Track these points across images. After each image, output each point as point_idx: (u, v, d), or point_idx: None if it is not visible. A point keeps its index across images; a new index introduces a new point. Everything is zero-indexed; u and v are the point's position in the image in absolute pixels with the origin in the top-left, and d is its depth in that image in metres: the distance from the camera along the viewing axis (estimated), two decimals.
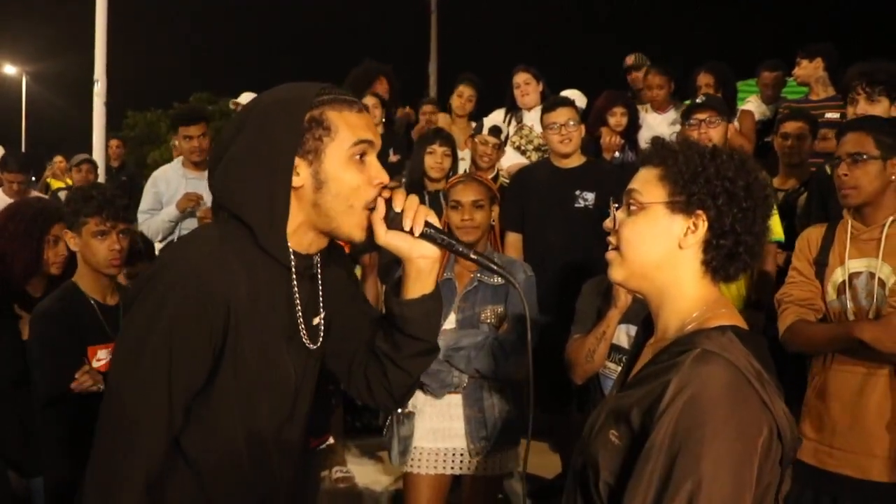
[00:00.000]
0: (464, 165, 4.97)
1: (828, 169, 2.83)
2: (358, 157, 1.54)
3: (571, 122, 4.00)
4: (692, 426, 1.28)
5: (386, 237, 1.56)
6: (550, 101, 4.23)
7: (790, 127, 4.33)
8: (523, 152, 5.16)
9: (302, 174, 1.51)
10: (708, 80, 5.43)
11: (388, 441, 3.10)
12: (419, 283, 1.61)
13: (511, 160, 4.99)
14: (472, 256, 1.61)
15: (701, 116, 3.73)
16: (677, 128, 5.39)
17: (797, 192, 4.11)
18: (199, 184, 4.88)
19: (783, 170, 4.35)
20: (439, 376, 2.97)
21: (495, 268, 1.61)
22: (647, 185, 1.50)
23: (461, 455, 3.02)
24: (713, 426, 1.27)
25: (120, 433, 1.46)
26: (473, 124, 5.71)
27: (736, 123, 5.15)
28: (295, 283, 1.57)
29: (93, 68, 9.61)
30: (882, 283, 2.57)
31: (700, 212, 1.44)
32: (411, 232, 1.55)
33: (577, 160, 4.09)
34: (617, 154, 5.20)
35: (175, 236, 4.74)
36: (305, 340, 1.62)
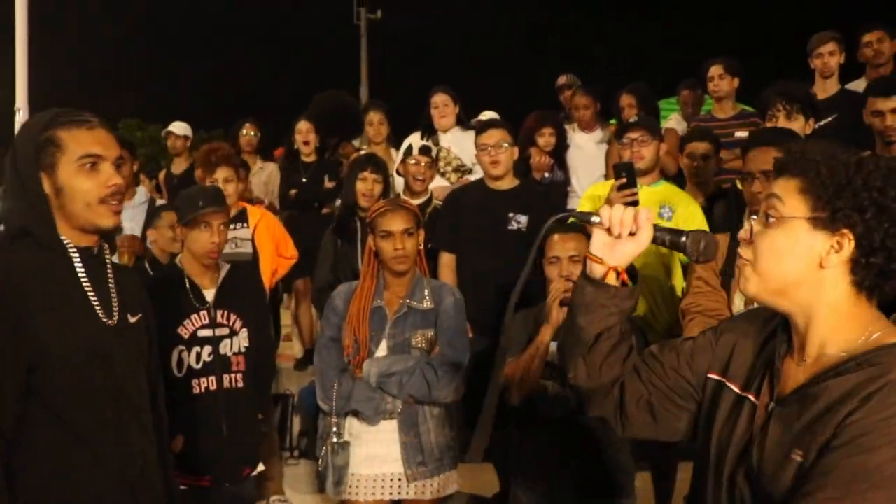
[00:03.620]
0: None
1: (738, 184, 2.91)
2: (88, 166, 1.93)
3: (504, 144, 4.05)
4: None
5: None
6: (483, 124, 4.28)
7: (695, 147, 4.47)
8: (443, 174, 5.18)
9: (46, 185, 1.93)
10: (630, 100, 5.59)
11: (322, 471, 3.07)
12: None
13: (433, 183, 5.02)
14: None
15: (633, 136, 3.83)
16: (605, 146, 5.53)
17: (706, 208, 4.23)
18: (124, 213, 4.75)
19: (690, 187, 4.47)
20: (373, 403, 2.96)
21: None
22: (789, 195, 1.40)
23: (399, 480, 3.01)
24: None
25: None
26: (393, 151, 5.71)
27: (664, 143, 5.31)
28: (80, 267, 1.96)
29: (14, 97, 9.35)
30: None
31: (846, 230, 1.35)
32: None
33: (509, 182, 4.13)
34: (546, 174, 5.28)
35: None
36: (102, 316, 1.98)
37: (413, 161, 4.59)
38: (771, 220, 1.41)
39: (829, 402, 1.32)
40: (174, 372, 3.07)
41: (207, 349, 3.10)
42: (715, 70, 5.41)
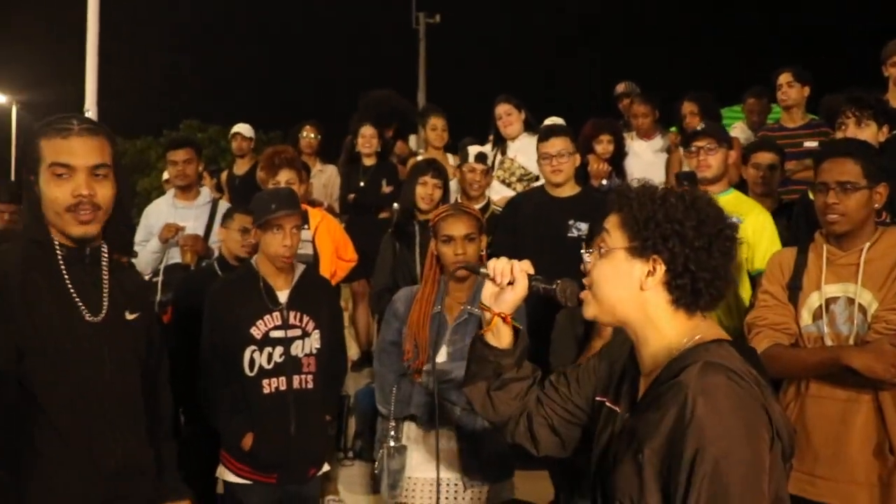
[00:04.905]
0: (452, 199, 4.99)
1: (810, 194, 2.83)
2: (58, 175, 1.99)
3: (564, 153, 4.03)
4: (709, 439, 1.38)
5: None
6: (544, 131, 4.26)
7: (761, 157, 4.34)
8: (508, 185, 5.20)
9: (36, 189, 2.02)
10: (692, 108, 5.51)
11: (378, 473, 3.09)
12: None
13: (499, 193, 5.03)
14: None
15: (700, 144, 3.70)
16: (664, 155, 5.47)
17: None
18: (188, 213, 4.91)
19: (753, 198, 4.36)
20: (431, 408, 2.97)
21: None
22: (613, 229, 1.62)
23: (455, 486, 3.01)
24: (727, 439, 1.38)
25: None
26: (450, 156, 5.75)
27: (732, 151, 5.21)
28: (62, 264, 2.04)
29: (83, 97, 9.63)
30: (863, 310, 2.55)
31: (656, 256, 1.55)
32: None
33: (570, 189, 4.11)
34: (605, 181, 5.25)
35: (162, 266, 4.76)
36: (85, 313, 2.04)
37: (468, 168, 4.62)
38: (602, 251, 1.63)
39: (658, 409, 1.47)
40: (246, 371, 3.13)
41: (279, 350, 3.15)
42: (784, 78, 5.29)
